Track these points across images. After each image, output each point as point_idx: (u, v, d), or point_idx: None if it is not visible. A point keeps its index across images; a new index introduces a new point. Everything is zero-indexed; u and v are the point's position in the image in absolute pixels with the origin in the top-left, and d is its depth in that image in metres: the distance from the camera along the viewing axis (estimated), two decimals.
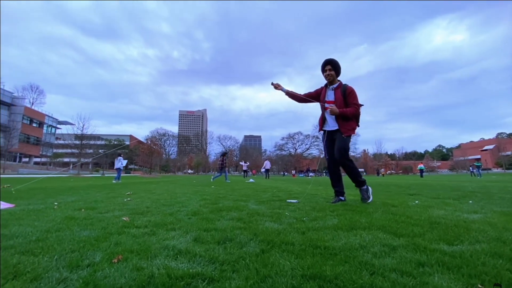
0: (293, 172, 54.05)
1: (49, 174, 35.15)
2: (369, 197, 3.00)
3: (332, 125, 3.07)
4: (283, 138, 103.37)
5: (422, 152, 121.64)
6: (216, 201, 3.46)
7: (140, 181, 13.18)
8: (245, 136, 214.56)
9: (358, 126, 3.12)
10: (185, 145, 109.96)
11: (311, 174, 49.68)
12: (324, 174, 62.08)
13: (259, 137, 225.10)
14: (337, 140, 2.99)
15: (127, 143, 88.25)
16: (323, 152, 3.29)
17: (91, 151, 54.79)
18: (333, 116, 3.01)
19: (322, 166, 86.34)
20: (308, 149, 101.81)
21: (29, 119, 49.76)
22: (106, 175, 39.19)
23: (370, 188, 3.10)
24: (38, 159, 57.50)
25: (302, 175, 55.18)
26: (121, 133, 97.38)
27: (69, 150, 67.86)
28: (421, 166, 27.42)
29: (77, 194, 4.66)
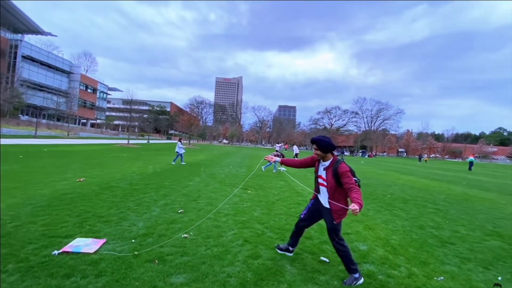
0: None
1: (103, 138, 39.55)
2: (350, 284, 2.59)
3: (324, 202, 2.86)
4: (319, 112, 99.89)
5: (477, 134, 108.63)
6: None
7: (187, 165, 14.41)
8: (280, 107, 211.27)
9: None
10: (220, 114, 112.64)
11: (346, 153, 48.14)
12: (360, 154, 59.83)
13: (294, 108, 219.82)
14: (328, 222, 2.81)
15: (168, 109, 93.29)
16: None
17: (137, 115, 59.46)
18: (323, 194, 2.85)
19: (358, 144, 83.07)
20: (345, 125, 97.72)
21: (85, 85, 54.87)
22: (151, 141, 42.88)
23: (361, 280, 2.65)
24: (93, 121, 64.29)
25: (337, 153, 53.93)
26: (162, 98, 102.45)
27: (118, 113, 74.56)
28: (471, 158, 25.15)
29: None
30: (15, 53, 40.98)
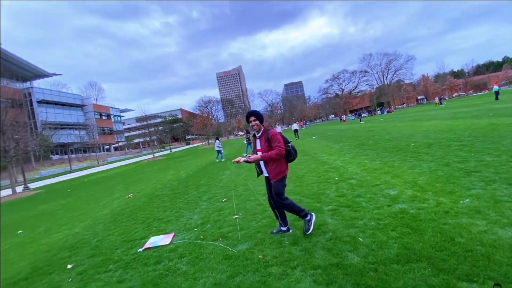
0: (343, 117, 51.88)
1: (129, 158, 41.64)
2: (308, 229, 2.98)
3: (264, 171, 3.18)
4: (326, 81, 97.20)
5: (500, 60, 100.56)
6: None
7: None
8: (285, 86, 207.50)
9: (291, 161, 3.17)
10: (230, 108, 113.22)
11: (363, 115, 46.87)
12: (379, 112, 58.00)
13: (300, 83, 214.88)
14: (272, 186, 3.11)
15: (180, 116, 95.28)
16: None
17: (153, 129, 61.73)
18: (261, 163, 3.13)
19: (374, 103, 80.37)
20: (356, 86, 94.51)
21: (99, 113, 57.44)
22: (173, 150, 44.57)
23: (313, 217, 3.08)
24: (115, 145, 67.46)
25: (353, 118, 52.66)
26: (170, 107, 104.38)
27: (136, 132, 77.63)
28: (495, 87, 23.79)
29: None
30: (30, 100, 43.66)
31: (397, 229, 2.77)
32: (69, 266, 3.40)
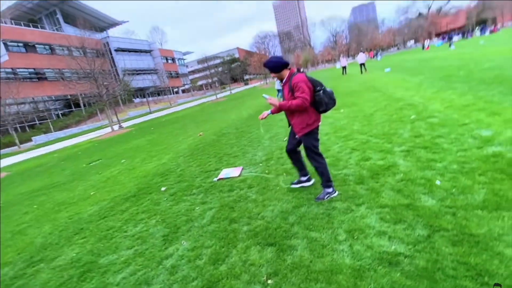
0: (426, 43, 42.53)
1: (196, 100, 44.97)
2: (322, 198, 2.69)
3: (289, 122, 2.83)
4: None
5: None
6: None
7: None
8: (353, 9, 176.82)
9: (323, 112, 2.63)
10: (287, 41, 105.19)
11: (455, 37, 37.27)
12: (478, 32, 45.32)
13: (372, 4, 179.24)
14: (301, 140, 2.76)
15: (237, 55, 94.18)
16: None
17: (213, 71, 63.58)
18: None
19: (473, 21, 62.99)
20: (449, 1, 74.21)
21: (165, 58, 61.12)
22: (233, 92, 45.93)
23: (335, 194, 2.71)
24: (182, 88, 72.91)
25: (440, 43, 42.82)
26: (226, 46, 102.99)
27: (198, 74, 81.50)
28: None
29: None
30: (109, 49, 48.83)
31: (487, 173, 2.44)
32: (163, 189, 4.22)
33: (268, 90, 25.92)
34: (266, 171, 3.87)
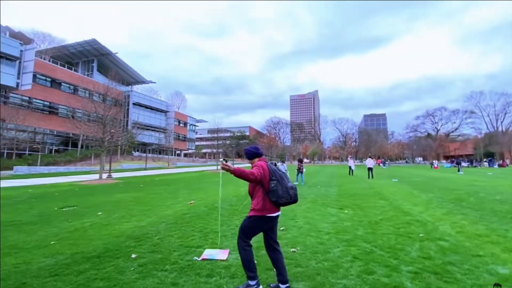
0: (434, 162, 45.31)
1: (195, 166, 45.69)
2: None
3: None
4: (417, 117, 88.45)
5: None
6: None
7: None
8: (365, 116, 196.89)
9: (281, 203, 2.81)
10: (298, 132, 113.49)
11: (463, 164, 39.62)
12: (486, 163, 48.49)
13: (383, 115, 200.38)
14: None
15: (247, 133, 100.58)
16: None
17: (220, 142, 66.73)
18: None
19: (480, 151, 68.36)
20: (457, 128, 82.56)
21: (178, 120, 65.69)
22: (235, 166, 46.86)
23: (259, 287, 2.73)
24: (185, 152, 75.25)
25: (449, 166, 45.41)
26: (240, 123, 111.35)
27: (205, 142, 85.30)
28: None
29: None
30: (128, 101, 53.40)
31: None
32: (133, 256, 3.86)
33: None
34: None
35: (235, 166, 2.80)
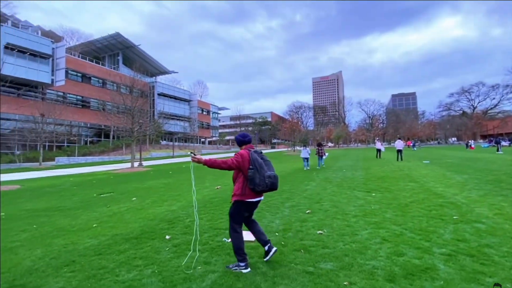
0: (470, 142, 42.28)
1: (220, 153, 46.70)
2: (232, 267, 2.93)
3: None
4: (451, 94, 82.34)
5: None
6: None
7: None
8: (393, 96, 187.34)
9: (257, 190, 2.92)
10: (322, 115, 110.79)
11: (504, 143, 36.56)
12: None
13: (413, 94, 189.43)
14: None
15: (269, 119, 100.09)
16: None
17: (243, 129, 67.25)
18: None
19: None
20: (496, 105, 76.05)
21: (201, 109, 66.83)
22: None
23: (246, 270, 2.86)
24: (210, 139, 76.92)
25: (486, 145, 42.22)
26: (261, 109, 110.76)
27: (228, 130, 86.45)
28: None
29: None
30: (153, 92, 55.06)
31: None
32: (167, 237, 4.12)
33: (294, 156, 26.26)
34: (282, 243, 3.67)
35: (207, 157, 3.02)
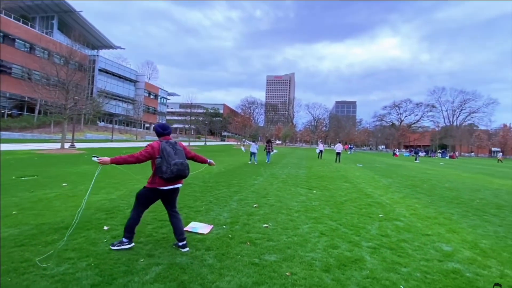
0: (396, 150, 48.83)
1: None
2: (115, 245, 3.13)
3: None
4: (385, 107, 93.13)
5: None
6: None
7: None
8: (337, 103, 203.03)
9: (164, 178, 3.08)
10: (272, 113, 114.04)
11: (421, 153, 43.38)
12: (439, 154, 53.44)
13: (354, 103, 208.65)
14: None
15: (221, 111, 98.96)
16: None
17: (193, 118, 65.02)
18: None
19: (436, 143, 74.50)
20: (418, 120, 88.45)
21: (148, 92, 62.46)
22: (207, 143, 46.42)
23: (128, 246, 3.14)
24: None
25: (408, 154, 49.26)
26: (212, 100, 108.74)
27: (176, 117, 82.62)
28: None
29: None
30: (93, 67, 49.32)
31: None
32: (105, 228, 3.81)
33: (242, 152, 26.59)
34: (229, 235, 3.74)
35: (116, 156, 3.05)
